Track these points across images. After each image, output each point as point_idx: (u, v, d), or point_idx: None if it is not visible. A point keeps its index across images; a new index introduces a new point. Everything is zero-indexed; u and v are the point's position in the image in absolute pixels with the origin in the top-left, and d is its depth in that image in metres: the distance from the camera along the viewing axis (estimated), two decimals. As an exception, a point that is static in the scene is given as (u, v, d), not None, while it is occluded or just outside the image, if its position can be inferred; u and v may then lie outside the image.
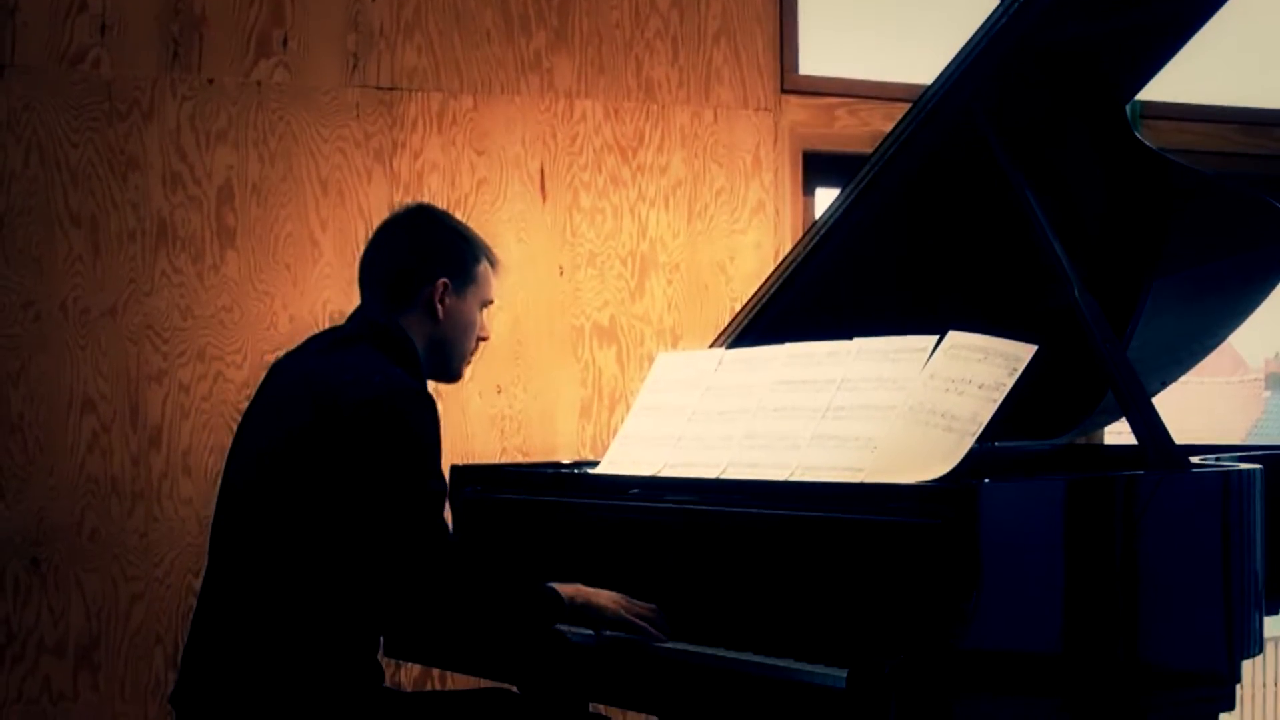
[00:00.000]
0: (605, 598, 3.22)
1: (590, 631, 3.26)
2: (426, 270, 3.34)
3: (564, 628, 3.29)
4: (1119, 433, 4.07)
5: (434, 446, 3.15)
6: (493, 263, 3.46)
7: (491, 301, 3.45)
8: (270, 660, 3.06)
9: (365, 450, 3.05)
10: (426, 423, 3.13)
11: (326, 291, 4.81)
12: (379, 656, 3.22)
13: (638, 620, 3.20)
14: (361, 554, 3.06)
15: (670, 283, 5.19)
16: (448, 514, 3.19)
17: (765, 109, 5.31)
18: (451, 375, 3.45)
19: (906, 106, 3.69)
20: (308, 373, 3.23)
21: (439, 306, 3.34)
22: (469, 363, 3.46)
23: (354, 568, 3.07)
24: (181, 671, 3.22)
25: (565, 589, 3.21)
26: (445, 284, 3.34)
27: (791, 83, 5.36)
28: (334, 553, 3.06)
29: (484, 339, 3.47)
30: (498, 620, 3.18)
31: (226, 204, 4.73)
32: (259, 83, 4.77)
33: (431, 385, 4.70)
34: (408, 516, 3.06)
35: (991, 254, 3.83)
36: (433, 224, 3.46)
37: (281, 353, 3.45)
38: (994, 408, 3.04)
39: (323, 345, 3.34)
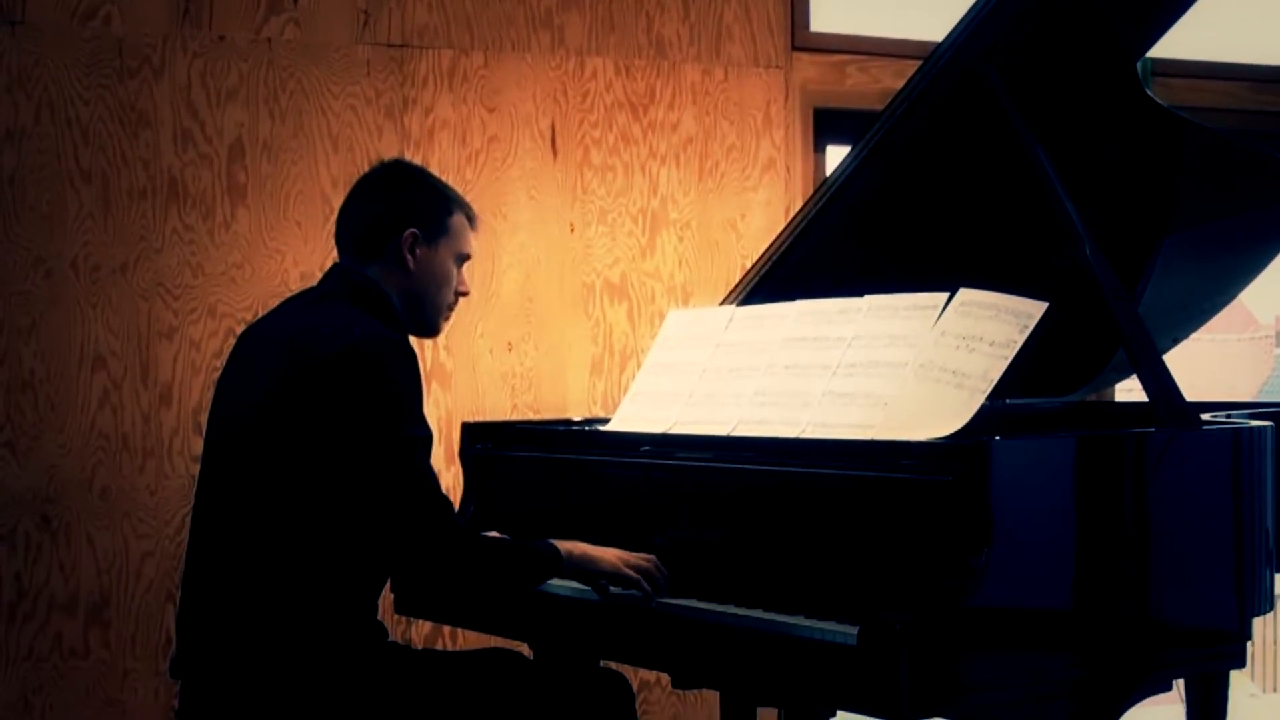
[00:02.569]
0: (605, 553, 3.25)
1: (596, 596, 3.29)
2: (395, 221, 3.31)
3: (569, 589, 3.32)
4: (1130, 390, 4.07)
5: (412, 393, 3.13)
6: (470, 218, 3.42)
7: (469, 256, 3.42)
8: (266, 621, 3.06)
9: (343, 400, 3.05)
10: (404, 370, 3.12)
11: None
12: (379, 616, 3.22)
13: (634, 574, 3.22)
14: (346, 506, 3.06)
15: (681, 240, 5.18)
16: (458, 480, 3.18)
17: (776, 66, 5.29)
18: (429, 329, 3.43)
19: (917, 64, 3.68)
20: (285, 329, 3.22)
21: (409, 257, 3.31)
22: (447, 318, 3.44)
23: (340, 521, 3.07)
24: (178, 641, 3.23)
25: (564, 544, 3.23)
26: (414, 234, 3.31)
27: (802, 40, 5.35)
28: (320, 507, 3.06)
29: (463, 294, 3.44)
30: (489, 569, 3.19)
31: (237, 161, 4.72)
32: (270, 40, 4.76)
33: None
34: (389, 464, 3.06)
35: (1003, 211, 3.82)
36: (404, 177, 3.44)
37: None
38: (1005, 365, 3.04)
39: (298, 304, 3.35)
